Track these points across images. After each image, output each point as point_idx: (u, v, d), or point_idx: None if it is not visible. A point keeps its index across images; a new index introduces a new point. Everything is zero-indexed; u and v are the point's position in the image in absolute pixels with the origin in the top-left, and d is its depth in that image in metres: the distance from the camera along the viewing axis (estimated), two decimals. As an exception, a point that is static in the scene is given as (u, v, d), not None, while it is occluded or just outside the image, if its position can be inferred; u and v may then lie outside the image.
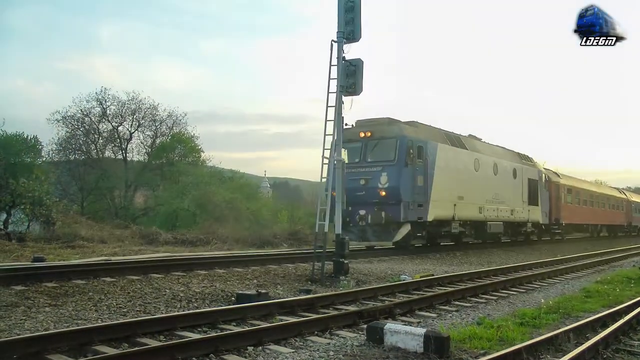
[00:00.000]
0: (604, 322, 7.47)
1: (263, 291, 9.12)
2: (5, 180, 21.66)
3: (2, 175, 22.21)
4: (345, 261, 12.00)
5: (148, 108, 34.05)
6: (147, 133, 35.06)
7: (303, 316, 7.74)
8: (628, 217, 43.12)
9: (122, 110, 33.50)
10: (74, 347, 5.69)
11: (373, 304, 8.89)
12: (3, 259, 13.82)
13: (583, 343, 6.00)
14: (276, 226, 30.15)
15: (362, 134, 17.61)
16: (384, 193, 16.96)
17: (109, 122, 33.71)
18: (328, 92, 12.37)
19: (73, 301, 8.13)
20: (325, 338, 6.68)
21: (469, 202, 20.32)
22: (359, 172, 16.99)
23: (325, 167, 12.76)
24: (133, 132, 34.28)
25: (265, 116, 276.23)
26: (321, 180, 12.57)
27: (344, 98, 12.42)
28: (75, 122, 32.80)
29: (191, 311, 7.79)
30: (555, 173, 32.14)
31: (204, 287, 9.79)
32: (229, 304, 8.48)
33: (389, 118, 18.54)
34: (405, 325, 6.90)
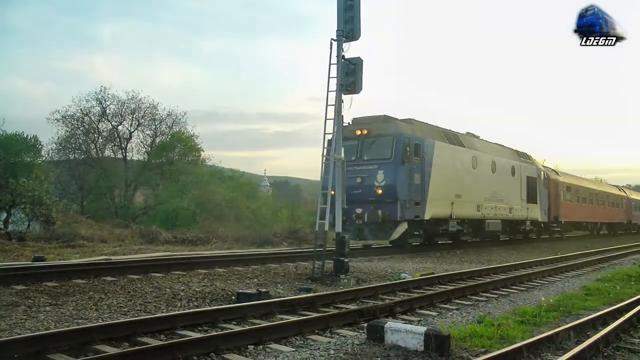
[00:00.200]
0: (604, 320, 7.47)
1: (263, 290, 9.12)
2: (5, 179, 21.65)
3: (2, 174, 22.20)
4: (346, 260, 12.00)
5: (148, 107, 34.04)
6: (147, 132, 35.05)
7: (303, 315, 7.74)
8: (628, 215, 43.13)
9: (121, 110, 33.48)
10: (74, 347, 5.69)
11: (373, 303, 8.89)
12: (3, 259, 13.83)
13: (584, 341, 5.99)
14: (276, 225, 30.17)
15: (358, 132, 17.47)
16: (380, 191, 16.86)
17: (109, 121, 33.70)
18: (328, 91, 12.37)
19: (73, 300, 8.13)
20: (326, 337, 6.68)
21: (466, 200, 20.23)
22: (356, 170, 16.84)
23: (326, 166, 12.76)
24: (133, 132, 34.27)
25: (265, 115, 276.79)
26: (321, 179, 12.56)
27: (343, 96, 12.41)
28: (75, 122, 32.78)
29: (192, 310, 7.79)
30: (554, 171, 32.11)
31: (204, 286, 9.79)
32: (230, 303, 8.47)
33: (386, 115, 18.41)
34: (405, 323, 6.90)
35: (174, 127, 35.40)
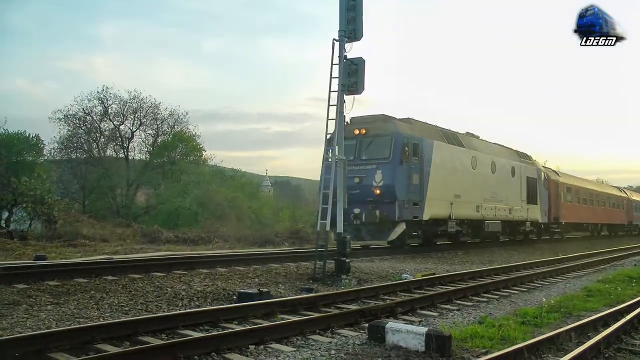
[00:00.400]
0: (605, 321, 7.47)
1: (265, 290, 9.12)
2: (7, 178, 21.72)
3: (4, 173, 22.28)
4: (347, 260, 12.00)
5: (149, 107, 34.15)
6: (149, 132, 35.17)
7: (305, 315, 7.74)
8: (629, 216, 43.06)
9: (123, 109, 33.60)
10: (75, 346, 5.69)
11: (375, 303, 8.89)
12: (5, 258, 13.84)
13: (585, 342, 5.99)
14: (277, 225, 30.23)
15: (356, 131, 17.27)
16: (378, 191, 16.69)
17: (111, 120, 33.81)
18: (330, 91, 12.37)
19: (75, 299, 8.14)
20: (327, 337, 6.68)
21: (466, 200, 20.07)
22: (354, 170, 16.59)
23: (327, 166, 12.77)
24: (135, 131, 34.38)
25: (266, 115, 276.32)
26: (322, 178, 12.57)
27: (345, 97, 12.41)
28: (77, 121, 32.88)
29: (193, 310, 7.79)
30: (555, 171, 32.04)
31: (205, 285, 9.80)
32: (231, 303, 8.48)
33: (384, 115, 18.27)
34: (406, 324, 6.90)
35: (175, 126, 35.53)
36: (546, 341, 6.07)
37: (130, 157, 34.53)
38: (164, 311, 7.85)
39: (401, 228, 17.01)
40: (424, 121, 19.89)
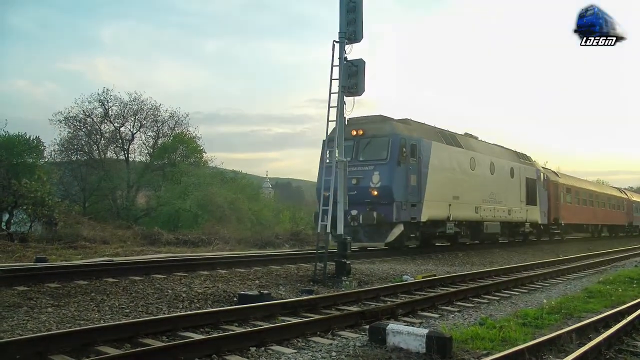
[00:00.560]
0: (606, 323, 7.46)
1: (265, 292, 9.11)
2: (8, 180, 21.70)
3: (5, 175, 22.26)
4: (347, 262, 11.98)
5: (150, 109, 34.16)
6: (149, 134, 35.18)
7: (305, 317, 7.73)
8: (629, 217, 43.02)
9: (124, 111, 33.61)
10: (76, 348, 5.69)
11: (375, 305, 8.89)
12: (5, 260, 13.84)
13: (586, 344, 5.99)
14: (278, 227, 30.24)
15: (354, 132, 17.08)
16: (376, 193, 16.56)
17: (111, 122, 33.81)
18: (330, 93, 12.35)
19: (75, 302, 8.14)
20: (328, 338, 6.68)
21: (464, 201, 19.95)
22: (351, 171, 16.23)
23: (327, 167, 12.77)
24: (135, 133, 34.39)
25: (267, 117, 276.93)
26: (323, 180, 12.56)
27: (345, 98, 12.40)
28: (78, 123, 32.88)
29: (193, 312, 7.78)
30: (554, 172, 32.01)
31: (206, 287, 9.80)
32: (231, 305, 8.48)
33: (382, 115, 18.20)
34: (407, 325, 6.90)
35: (176, 128, 35.53)
36: (547, 342, 6.06)
37: (130, 159, 34.57)
38: (164, 313, 7.84)
39: (399, 230, 16.87)
40: (422, 122, 19.79)
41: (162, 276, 10.68)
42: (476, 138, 23.09)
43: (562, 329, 6.90)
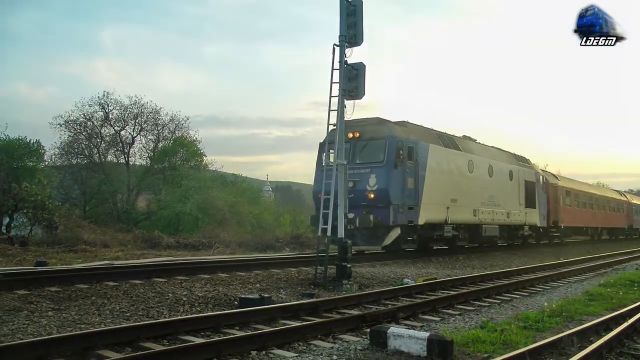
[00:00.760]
0: (607, 326, 7.46)
1: (266, 295, 9.10)
2: (8, 184, 21.71)
3: (5, 179, 22.28)
4: (348, 265, 11.98)
5: (150, 112, 34.10)
6: (150, 137, 35.10)
7: (306, 320, 7.73)
8: (629, 220, 43.00)
9: (124, 115, 33.55)
10: (77, 352, 5.70)
11: (376, 308, 8.89)
12: (6, 264, 13.84)
13: (587, 347, 5.99)
14: (278, 230, 30.23)
15: (350, 135, 16.73)
16: (372, 196, 16.41)
17: (112, 126, 33.77)
18: (330, 96, 12.37)
19: (76, 305, 8.13)
20: (329, 342, 6.68)
21: (462, 204, 19.82)
22: (347, 174, 16.49)
23: (325, 170, 12.77)
24: (135, 136, 34.33)
25: (267, 120, 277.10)
26: (324, 183, 12.55)
27: (346, 102, 12.42)
28: (78, 127, 32.82)
29: (194, 315, 7.79)
30: (554, 175, 31.97)
31: (206, 291, 9.80)
32: (232, 308, 8.48)
33: (378, 118, 18.07)
34: (408, 329, 6.90)
35: (176, 132, 35.49)
36: (548, 346, 6.06)
37: (131, 163, 34.51)
38: (165, 317, 7.84)
39: (396, 233, 16.74)
40: (420, 124, 19.67)
41: (163, 280, 10.67)
42: (474, 140, 23.00)
43: (563, 332, 6.90)
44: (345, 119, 12.55)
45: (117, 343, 6.05)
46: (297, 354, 6.05)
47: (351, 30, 12.21)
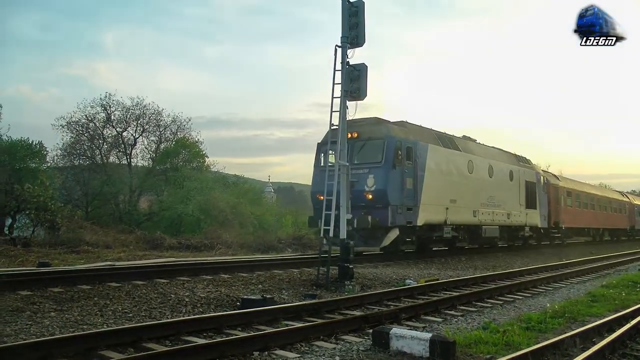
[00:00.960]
0: (610, 327, 7.45)
1: (268, 296, 9.12)
2: (11, 185, 21.74)
3: (7, 180, 22.31)
4: (350, 266, 11.98)
5: (152, 113, 34.09)
6: (152, 138, 35.09)
7: (308, 321, 7.73)
8: (631, 221, 42.86)
9: (126, 116, 33.54)
10: (79, 352, 5.71)
11: (378, 309, 8.89)
12: (8, 264, 13.86)
13: (589, 348, 5.98)
14: (280, 231, 30.21)
15: (348, 135, 16.57)
16: (370, 196, 16.28)
17: (114, 127, 33.77)
18: (332, 97, 12.38)
19: (78, 306, 8.14)
20: (331, 343, 6.68)
21: (462, 205, 19.70)
22: (349, 174, 16.32)
23: (328, 172, 12.77)
24: (137, 138, 34.33)
25: (269, 121, 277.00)
26: (326, 184, 12.55)
27: (348, 103, 12.42)
28: (80, 128, 32.83)
29: (196, 316, 7.80)
30: (555, 175, 31.87)
31: (209, 292, 9.80)
32: (234, 309, 8.48)
33: (376, 118, 17.99)
34: (410, 329, 6.89)
35: (178, 133, 35.50)
36: (550, 347, 6.05)
37: (133, 164, 34.50)
38: (167, 318, 7.85)
39: (394, 234, 16.64)
40: (419, 124, 19.59)
41: (165, 281, 10.69)
42: (474, 141, 22.88)
43: (565, 333, 6.89)
44: (348, 119, 12.56)
45: (119, 344, 6.06)
46: (299, 355, 6.06)
47: (353, 31, 12.21)
